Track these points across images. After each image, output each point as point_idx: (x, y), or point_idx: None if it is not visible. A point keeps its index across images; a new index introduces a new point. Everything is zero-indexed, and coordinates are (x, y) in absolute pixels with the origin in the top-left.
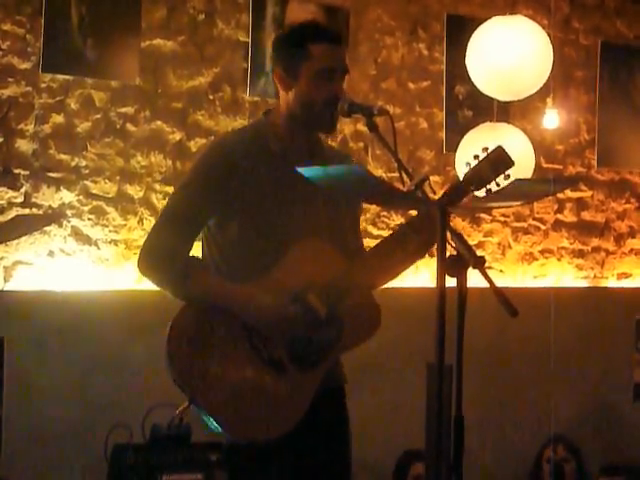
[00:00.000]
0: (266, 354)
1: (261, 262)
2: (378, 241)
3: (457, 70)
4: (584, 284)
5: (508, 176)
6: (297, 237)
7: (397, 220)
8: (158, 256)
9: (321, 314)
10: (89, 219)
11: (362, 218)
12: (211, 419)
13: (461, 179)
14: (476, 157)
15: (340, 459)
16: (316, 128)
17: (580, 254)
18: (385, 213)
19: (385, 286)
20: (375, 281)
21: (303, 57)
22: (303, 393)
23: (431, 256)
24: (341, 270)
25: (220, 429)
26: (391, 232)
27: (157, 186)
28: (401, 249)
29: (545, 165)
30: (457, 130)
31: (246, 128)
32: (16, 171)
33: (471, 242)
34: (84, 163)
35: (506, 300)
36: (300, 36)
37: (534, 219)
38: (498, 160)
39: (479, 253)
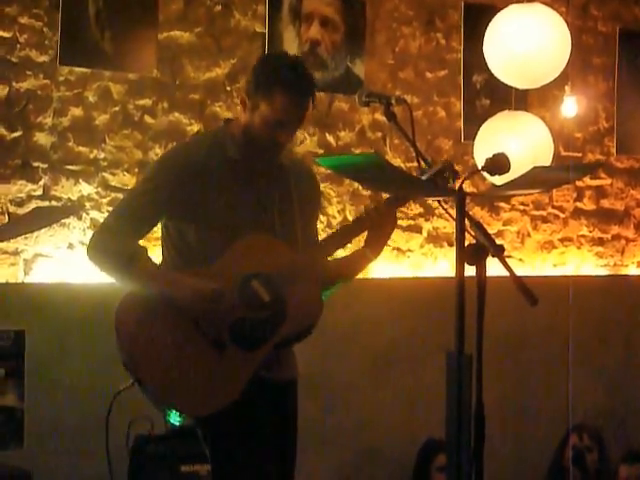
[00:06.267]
0: (209, 333)
1: (213, 256)
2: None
3: (475, 59)
4: (604, 272)
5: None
6: (248, 232)
7: (415, 210)
8: (109, 241)
9: (264, 298)
10: (108, 211)
11: None
12: (153, 397)
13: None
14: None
15: (287, 449)
16: (257, 153)
17: (600, 242)
18: None
19: (405, 276)
20: (326, 273)
21: (265, 97)
22: (241, 372)
23: (450, 245)
24: (287, 261)
25: (165, 405)
26: (342, 226)
27: None
28: (350, 242)
29: (564, 153)
30: (475, 119)
31: (206, 135)
32: (35, 164)
33: (490, 231)
34: (102, 155)
35: (526, 289)
36: (271, 76)
37: (553, 207)
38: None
39: (498, 242)
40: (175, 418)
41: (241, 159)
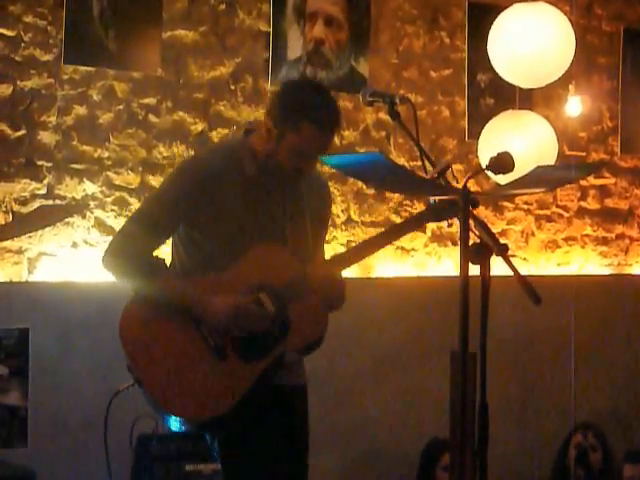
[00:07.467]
0: (211, 341)
1: (224, 264)
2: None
3: (479, 58)
4: (608, 271)
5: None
6: (259, 243)
7: (419, 209)
8: (127, 250)
9: (269, 311)
10: (112, 210)
11: (385, 207)
12: (151, 399)
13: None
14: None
15: (298, 453)
16: (277, 176)
17: (604, 241)
18: (408, 202)
19: (409, 275)
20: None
21: (292, 128)
22: (240, 382)
23: (454, 244)
24: (294, 275)
25: (161, 409)
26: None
27: None
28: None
29: (568, 152)
30: (479, 118)
31: (223, 146)
32: (39, 163)
33: (494, 230)
34: (107, 154)
35: (530, 288)
36: (300, 106)
37: (557, 206)
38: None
39: (502, 241)
40: (174, 424)
41: (256, 177)
